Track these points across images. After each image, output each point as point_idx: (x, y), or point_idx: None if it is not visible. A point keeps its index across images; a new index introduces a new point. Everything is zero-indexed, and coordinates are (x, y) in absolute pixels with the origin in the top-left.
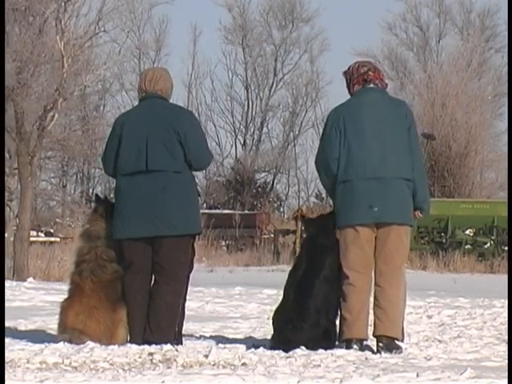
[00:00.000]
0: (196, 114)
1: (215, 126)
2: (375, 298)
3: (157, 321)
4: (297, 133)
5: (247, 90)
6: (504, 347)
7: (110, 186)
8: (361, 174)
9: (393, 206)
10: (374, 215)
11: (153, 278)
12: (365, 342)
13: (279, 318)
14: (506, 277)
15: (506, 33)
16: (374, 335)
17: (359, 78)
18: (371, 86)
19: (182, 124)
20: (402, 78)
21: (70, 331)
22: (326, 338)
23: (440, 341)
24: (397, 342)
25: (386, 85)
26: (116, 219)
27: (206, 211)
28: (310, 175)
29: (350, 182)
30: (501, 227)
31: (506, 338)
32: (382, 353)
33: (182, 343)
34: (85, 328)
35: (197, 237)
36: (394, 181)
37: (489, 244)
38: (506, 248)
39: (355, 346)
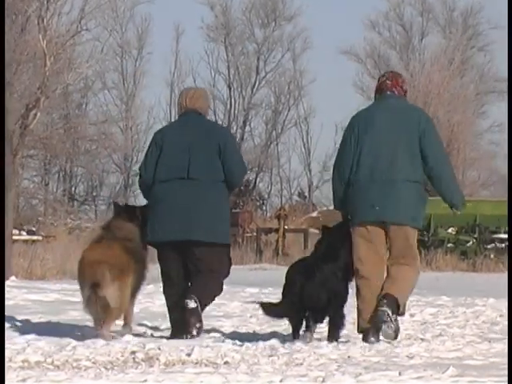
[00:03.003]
0: None
1: None
2: (386, 276)
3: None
4: (279, 131)
5: (230, 89)
6: (486, 345)
7: (92, 185)
8: (369, 177)
9: (394, 206)
10: (376, 213)
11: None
12: (347, 340)
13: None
14: (488, 275)
15: (490, 31)
16: (381, 295)
17: (379, 86)
18: (387, 93)
19: (222, 138)
20: None
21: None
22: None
23: (422, 339)
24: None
25: (405, 91)
26: (153, 223)
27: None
28: (292, 173)
29: (359, 183)
30: (483, 226)
31: (489, 336)
32: (384, 307)
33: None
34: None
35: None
36: (400, 183)
37: (471, 242)
38: (489, 246)
39: (372, 339)
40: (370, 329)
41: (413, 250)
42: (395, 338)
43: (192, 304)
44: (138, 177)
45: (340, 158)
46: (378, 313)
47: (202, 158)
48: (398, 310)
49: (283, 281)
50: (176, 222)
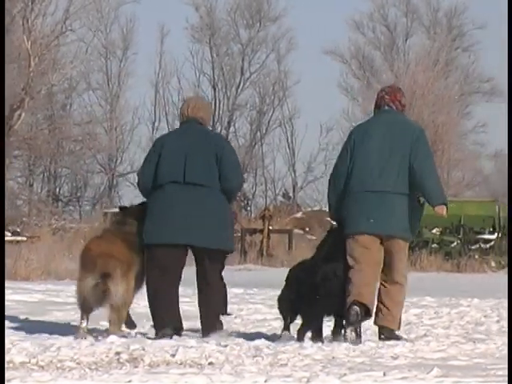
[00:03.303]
0: (163, 114)
1: None
2: (379, 294)
3: (210, 322)
4: (264, 132)
5: (214, 89)
6: (471, 346)
7: (76, 185)
8: (362, 187)
9: (387, 219)
10: (371, 226)
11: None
12: (330, 341)
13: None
14: (472, 276)
15: (474, 32)
16: (376, 324)
17: (377, 101)
18: (386, 108)
19: (220, 147)
20: (368, 77)
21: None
22: None
23: (407, 340)
24: (395, 332)
25: (403, 106)
26: (149, 225)
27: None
28: (277, 174)
29: (353, 195)
30: (467, 226)
31: (473, 336)
32: (384, 340)
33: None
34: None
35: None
36: (391, 195)
37: (455, 243)
38: (473, 247)
39: (355, 307)
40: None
41: (404, 264)
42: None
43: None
44: (136, 182)
45: (335, 168)
46: (349, 314)
47: (198, 164)
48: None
49: (268, 281)
50: (172, 226)
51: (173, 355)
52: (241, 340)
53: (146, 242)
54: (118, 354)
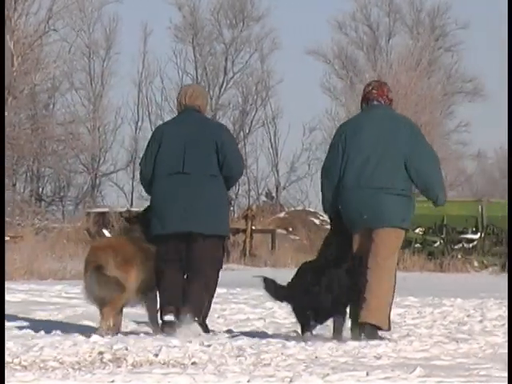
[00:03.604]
0: (146, 113)
1: None
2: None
3: (186, 311)
4: (247, 132)
5: None
6: (454, 346)
7: (59, 185)
8: (355, 185)
9: (381, 213)
10: (365, 222)
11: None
12: (314, 340)
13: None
14: (455, 275)
15: (457, 32)
16: (359, 322)
17: (365, 96)
18: (374, 103)
19: (220, 135)
20: (351, 77)
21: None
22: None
23: (390, 339)
24: (380, 331)
25: (390, 100)
26: (154, 218)
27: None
28: (260, 174)
29: (348, 191)
30: (450, 226)
31: (456, 336)
32: (365, 340)
33: (208, 331)
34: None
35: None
36: (384, 191)
37: (438, 243)
38: (456, 247)
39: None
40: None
41: (392, 247)
42: None
43: (169, 317)
44: (139, 172)
45: (328, 164)
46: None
47: (197, 153)
48: (380, 329)
49: (251, 281)
50: (175, 216)
51: (156, 355)
52: (224, 340)
53: (153, 234)
54: (101, 353)
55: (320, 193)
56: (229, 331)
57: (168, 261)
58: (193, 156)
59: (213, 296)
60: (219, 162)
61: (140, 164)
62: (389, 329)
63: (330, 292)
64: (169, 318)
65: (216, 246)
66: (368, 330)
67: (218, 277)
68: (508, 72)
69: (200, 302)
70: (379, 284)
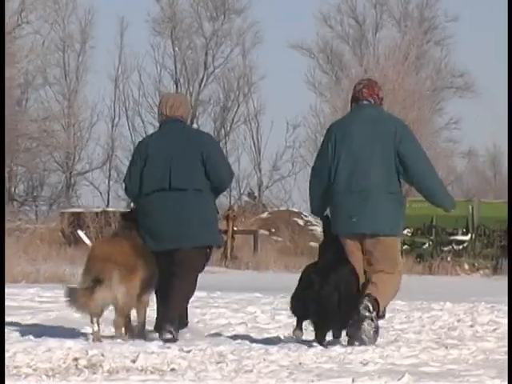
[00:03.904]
0: (123, 110)
1: (143, 122)
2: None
3: (167, 311)
4: (228, 129)
5: (176, 85)
6: (443, 352)
7: (32, 184)
8: (346, 187)
9: (371, 217)
10: (353, 226)
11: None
12: (299, 347)
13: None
14: (445, 278)
15: (447, 25)
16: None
17: (354, 95)
18: (364, 102)
19: (204, 144)
20: (337, 72)
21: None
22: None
23: (376, 345)
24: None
25: (381, 99)
26: (145, 234)
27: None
28: (241, 173)
29: (337, 195)
30: (440, 227)
31: (445, 342)
32: (365, 301)
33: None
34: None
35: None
36: (375, 194)
37: (427, 244)
38: (445, 249)
39: (356, 343)
40: (352, 329)
41: (392, 261)
42: (375, 337)
43: (168, 335)
44: (124, 188)
45: (319, 165)
46: (360, 308)
47: (183, 167)
48: (379, 310)
49: (232, 285)
50: (165, 234)
51: (133, 361)
52: (204, 345)
53: None
54: (75, 359)
55: (308, 194)
56: (209, 336)
57: (162, 276)
58: (179, 171)
59: (189, 298)
60: (206, 173)
61: (124, 180)
62: (384, 315)
63: (335, 292)
64: (168, 336)
65: (200, 255)
66: (371, 300)
67: (196, 279)
68: (508, 71)
69: (180, 308)
70: (386, 286)
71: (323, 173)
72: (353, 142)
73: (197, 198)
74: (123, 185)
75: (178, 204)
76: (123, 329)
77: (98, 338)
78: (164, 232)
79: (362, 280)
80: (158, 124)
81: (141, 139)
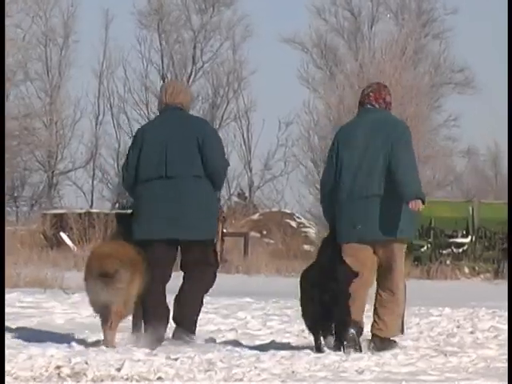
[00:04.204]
0: (108, 106)
1: (128, 119)
2: (375, 303)
3: (183, 314)
4: (217, 126)
5: (163, 80)
6: (442, 359)
7: (13, 184)
8: (348, 195)
9: (374, 224)
10: (358, 234)
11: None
12: (292, 354)
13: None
14: (444, 283)
15: (446, 18)
16: (371, 332)
17: (361, 99)
18: (368, 106)
19: (201, 131)
20: (331, 67)
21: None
22: None
23: (372, 353)
24: (389, 339)
25: (387, 104)
26: (137, 221)
27: (119, 212)
28: (231, 172)
29: (340, 203)
30: (438, 229)
31: (444, 349)
32: (374, 351)
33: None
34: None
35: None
36: (377, 199)
37: (425, 247)
38: (444, 251)
39: (351, 330)
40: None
41: (398, 272)
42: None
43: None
44: (121, 176)
45: (324, 174)
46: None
47: (179, 154)
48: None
49: (222, 289)
50: (161, 222)
51: (118, 369)
52: (192, 353)
53: (139, 238)
54: (58, 367)
55: (321, 206)
56: (198, 343)
57: (154, 273)
58: (175, 158)
59: (207, 290)
60: (202, 161)
61: (122, 168)
62: (402, 331)
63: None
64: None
65: (209, 250)
66: (378, 342)
67: (215, 276)
68: (508, 69)
69: (195, 314)
70: (392, 301)
71: (328, 185)
72: (354, 147)
73: (194, 186)
74: (121, 173)
75: (175, 191)
76: (114, 336)
77: (110, 343)
78: (161, 219)
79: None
80: (144, 121)
81: (139, 127)
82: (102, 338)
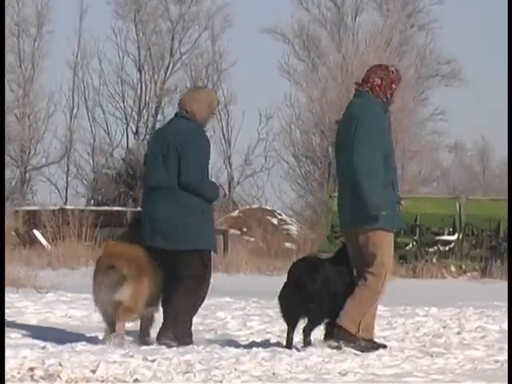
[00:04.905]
0: (83, 99)
1: (104, 113)
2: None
3: (166, 324)
4: None
5: (140, 72)
6: (428, 361)
7: None
8: (339, 184)
9: (348, 212)
10: (341, 222)
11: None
12: (273, 356)
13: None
14: (430, 281)
15: (432, 8)
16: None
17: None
18: (355, 91)
19: (181, 142)
20: (314, 59)
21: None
22: None
23: (356, 354)
24: (348, 335)
25: (372, 87)
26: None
27: (94, 208)
28: (210, 168)
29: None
30: (424, 226)
31: (430, 350)
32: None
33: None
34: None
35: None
36: (350, 187)
37: (411, 245)
38: (430, 249)
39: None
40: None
41: (370, 260)
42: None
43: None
44: None
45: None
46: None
47: (164, 164)
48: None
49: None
50: (155, 234)
51: (93, 371)
52: (170, 354)
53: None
54: (31, 369)
55: None
56: (176, 344)
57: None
58: (160, 168)
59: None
60: (178, 171)
61: None
62: (356, 332)
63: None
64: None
65: (194, 262)
66: (335, 330)
67: (204, 292)
68: (508, 68)
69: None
70: (359, 292)
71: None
72: (338, 133)
73: (173, 197)
74: None
75: (154, 200)
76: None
77: (120, 342)
78: (154, 230)
79: None
80: (120, 114)
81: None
82: (102, 338)
